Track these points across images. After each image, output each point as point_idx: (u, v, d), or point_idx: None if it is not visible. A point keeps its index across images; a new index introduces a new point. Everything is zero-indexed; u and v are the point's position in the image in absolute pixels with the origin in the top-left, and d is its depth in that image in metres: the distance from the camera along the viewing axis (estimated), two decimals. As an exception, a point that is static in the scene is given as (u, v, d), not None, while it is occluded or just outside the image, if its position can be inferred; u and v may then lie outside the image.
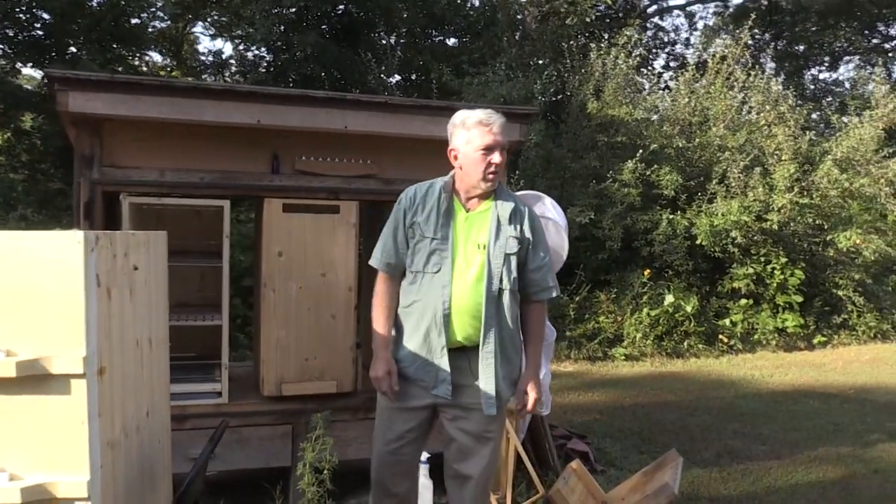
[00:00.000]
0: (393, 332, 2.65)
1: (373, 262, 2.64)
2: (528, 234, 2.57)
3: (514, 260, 2.53)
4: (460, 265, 2.51)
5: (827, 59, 19.06)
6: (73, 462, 1.73)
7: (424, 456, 3.51)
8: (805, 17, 17.56)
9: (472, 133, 2.50)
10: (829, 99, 17.73)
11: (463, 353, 2.54)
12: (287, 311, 3.43)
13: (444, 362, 2.52)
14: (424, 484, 3.49)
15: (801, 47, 18.74)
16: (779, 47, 18.62)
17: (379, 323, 2.60)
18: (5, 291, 1.70)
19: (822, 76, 19.60)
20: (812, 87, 18.69)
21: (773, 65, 17.51)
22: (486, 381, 2.51)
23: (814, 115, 14.14)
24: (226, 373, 3.43)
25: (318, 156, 3.49)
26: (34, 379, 1.70)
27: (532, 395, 2.56)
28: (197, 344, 3.94)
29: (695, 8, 19.19)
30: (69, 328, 1.71)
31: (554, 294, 2.67)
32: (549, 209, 3.62)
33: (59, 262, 1.71)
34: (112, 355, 1.87)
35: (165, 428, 2.43)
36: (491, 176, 2.50)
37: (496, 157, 2.49)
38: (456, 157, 2.56)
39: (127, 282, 1.99)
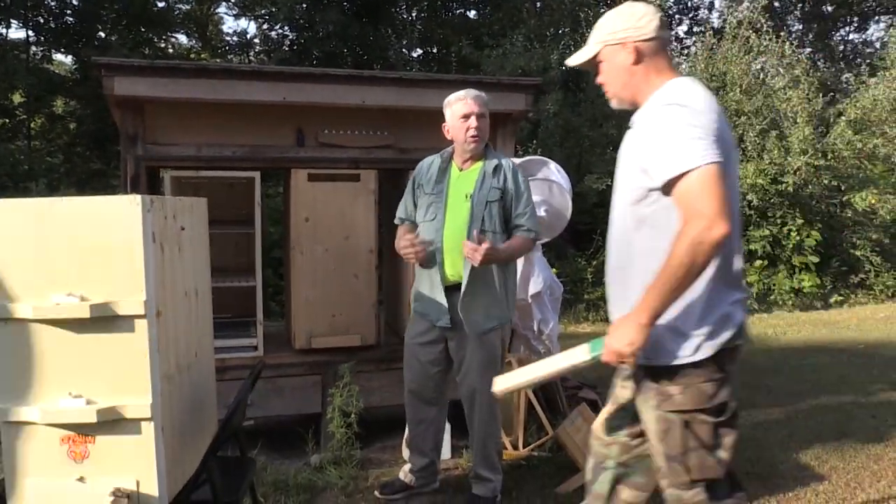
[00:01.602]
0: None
1: (396, 220, 3.25)
2: (510, 185, 3.03)
3: (496, 206, 2.99)
4: (451, 213, 3.03)
5: (856, 19, 18.76)
6: (138, 388, 2.07)
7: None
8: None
9: (454, 108, 3.07)
10: (859, 60, 17.51)
11: (458, 290, 3.01)
12: (314, 272, 3.77)
13: (441, 296, 3.01)
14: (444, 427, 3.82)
15: (830, 8, 18.49)
16: (806, 9, 18.40)
17: (399, 233, 3.16)
18: (78, 247, 2.04)
19: (851, 37, 19.29)
20: (841, 48, 18.44)
21: (799, 26, 17.34)
22: (464, 309, 3.00)
23: (845, 76, 14.06)
24: (260, 328, 3.79)
25: (340, 129, 3.80)
26: (104, 320, 2.04)
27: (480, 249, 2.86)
28: (233, 305, 4.32)
29: (719, -30, 18.97)
30: (131, 276, 2.04)
31: (532, 236, 3.09)
32: (553, 173, 3.89)
33: (122, 221, 2.03)
34: (166, 302, 2.20)
35: (210, 370, 2.78)
36: (472, 138, 3.03)
37: (473, 122, 3.01)
38: (448, 131, 3.13)
39: (176, 240, 2.32)
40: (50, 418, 2.04)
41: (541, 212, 3.71)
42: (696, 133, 1.84)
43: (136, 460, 2.08)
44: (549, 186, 3.75)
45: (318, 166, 3.77)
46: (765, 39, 10.06)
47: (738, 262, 1.99)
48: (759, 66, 10.24)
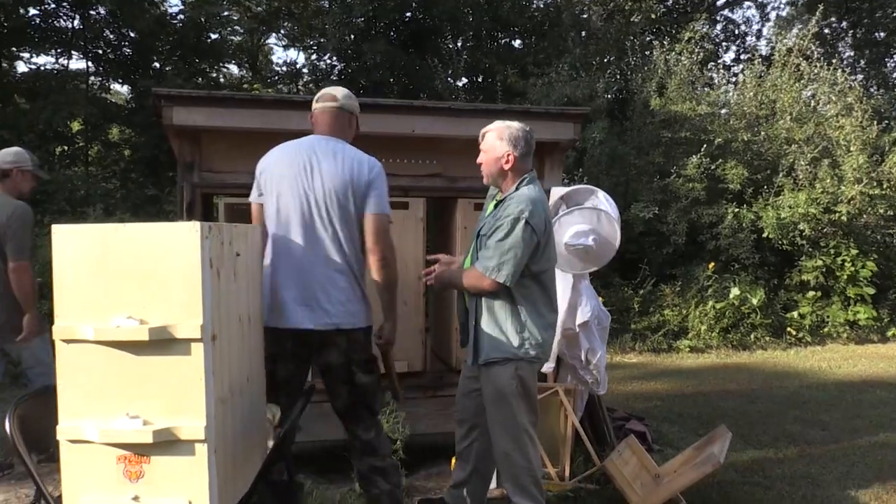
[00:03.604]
0: None
1: None
2: (501, 219, 2.95)
3: (484, 239, 2.98)
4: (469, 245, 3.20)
5: (910, 45, 18.34)
6: (193, 410, 2.10)
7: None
8: (885, 2, 17.02)
9: None
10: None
11: None
12: (363, 298, 3.79)
13: (463, 329, 3.14)
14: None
15: (882, 34, 18.14)
16: (858, 35, 18.09)
17: None
18: (138, 272, 2.09)
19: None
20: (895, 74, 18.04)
21: (851, 53, 17.05)
22: (473, 340, 3.05)
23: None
24: (310, 353, 3.82)
25: (389, 157, 3.85)
26: (162, 342, 2.08)
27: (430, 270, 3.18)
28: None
29: (767, -2, 18.81)
30: (189, 301, 2.09)
31: (481, 272, 2.94)
32: (601, 202, 3.88)
33: (181, 246, 2.08)
34: (221, 326, 2.24)
35: (262, 395, 2.81)
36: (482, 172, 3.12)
37: (480, 157, 3.11)
38: None
39: (231, 265, 2.37)
40: (107, 437, 2.09)
41: (589, 241, 3.71)
42: None
43: (190, 481, 2.11)
44: (598, 215, 3.74)
45: (367, 194, 3.81)
46: (815, 66, 9.92)
47: None
48: (809, 94, 10.08)
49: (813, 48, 10.08)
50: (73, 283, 2.11)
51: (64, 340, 2.11)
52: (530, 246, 2.91)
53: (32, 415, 2.45)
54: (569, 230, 3.72)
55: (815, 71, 9.92)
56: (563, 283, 3.93)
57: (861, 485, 4.03)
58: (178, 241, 2.09)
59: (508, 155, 3.01)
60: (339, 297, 2.88)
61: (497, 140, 3.05)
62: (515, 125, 3.06)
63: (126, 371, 2.10)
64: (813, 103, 10.14)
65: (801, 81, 9.94)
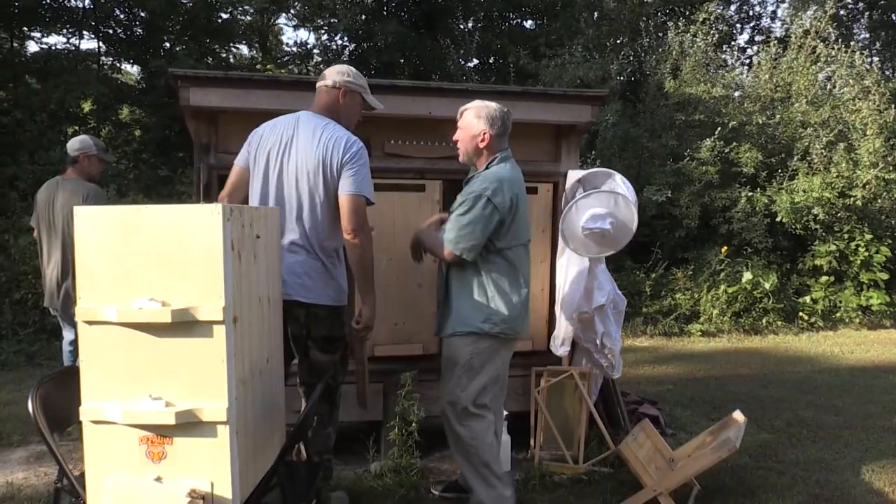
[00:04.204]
0: None
1: None
2: (465, 194, 3.08)
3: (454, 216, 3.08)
4: None
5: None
6: (215, 392, 2.11)
7: (504, 413, 3.84)
8: (901, -17, 16.76)
9: None
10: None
11: None
12: (378, 281, 3.78)
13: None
14: (504, 439, 3.81)
15: (899, 15, 17.87)
16: (874, 17, 17.84)
17: None
18: (161, 254, 2.09)
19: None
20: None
21: (866, 35, 16.83)
22: (439, 312, 3.25)
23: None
24: (324, 335, 3.83)
25: (406, 139, 3.84)
26: (184, 325, 2.09)
27: None
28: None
29: (782, -22, 18.52)
30: (211, 283, 2.09)
31: (447, 245, 3.07)
32: (619, 185, 3.85)
33: (203, 229, 2.08)
34: (242, 308, 2.24)
35: (280, 376, 2.82)
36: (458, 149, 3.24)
37: (456, 134, 3.23)
38: None
39: (251, 248, 2.37)
40: (130, 419, 2.10)
41: (606, 224, 3.68)
42: None
43: (212, 462, 2.12)
44: (615, 199, 3.71)
45: (383, 176, 3.80)
46: (832, 49, 9.79)
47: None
48: (825, 77, 9.96)
49: (830, 30, 9.95)
50: (96, 264, 2.12)
51: (87, 322, 2.12)
52: (490, 222, 3.01)
53: (54, 395, 2.47)
54: (586, 213, 3.70)
55: (833, 53, 9.79)
56: (578, 267, 3.93)
57: (875, 470, 4.02)
58: (201, 224, 2.09)
59: (485, 133, 3.12)
60: (296, 269, 2.92)
61: (475, 118, 3.15)
62: (493, 105, 3.17)
63: (148, 352, 2.11)
64: (829, 86, 10.02)
65: (818, 64, 9.81)
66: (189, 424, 2.10)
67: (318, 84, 3.09)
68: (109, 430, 2.13)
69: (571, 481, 3.71)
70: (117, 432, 2.12)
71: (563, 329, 3.91)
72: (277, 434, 2.70)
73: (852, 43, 10.05)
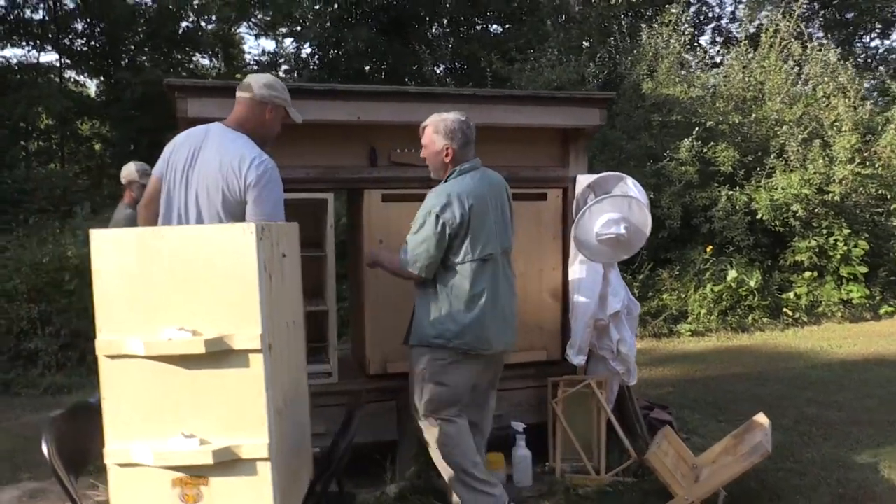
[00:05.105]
0: None
1: None
2: (419, 212, 3.12)
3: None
4: None
5: (879, 26, 18.56)
6: (254, 427, 1.95)
7: (521, 426, 3.73)
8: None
9: None
10: (883, 67, 17.30)
11: None
12: (388, 296, 3.65)
13: None
14: (523, 454, 3.70)
15: (851, 15, 18.29)
16: (827, 16, 18.21)
17: None
18: (186, 278, 1.93)
19: (873, 44, 19.10)
20: (863, 55, 18.23)
21: (821, 34, 17.17)
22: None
23: (865, 84, 13.86)
24: (335, 354, 3.67)
25: (411, 147, 3.69)
26: (218, 355, 1.93)
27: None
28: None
29: (738, -21, 18.82)
30: (245, 308, 1.93)
31: (404, 265, 3.13)
32: (631, 188, 3.77)
33: (234, 250, 1.92)
34: (274, 334, 2.09)
35: (306, 403, 2.66)
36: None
37: (422, 152, 3.23)
38: None
39: (280, 268, 2.21)
40: (162, 460, 1.94)
41: (621, 229, 3.60)
42: None
43: (251, 502, 1.97)
44: (628, 203, 3.63)
45: (390, 186, 3.67)
46: (807, 47, 9.90)
47: None
48: (798, 74, 10.07)
49: (802, 28, 10.07)
50: (115, 293, 1.95)
51: (108, 356, 1.94)
52: (443, 238, 3.02)
53: (67, 433, 2.29)
54: (599, 219, 3.61)
55: (808, 53, 9.90)
56: (592, 274, 3.83)
57: (893, 467, 3.99)
58: (231, 244, 1.93)
59: (447, 148, 3.11)
60: None
61: (434, 134, 3.13)
62: (451, 116, 3.12)
63: (179, 387, 1.95)
64: (800, 84, 10.14)
65: (789, 63, 9.92)
66: (227, 463, 1.95)
67: (238, 93, 2.85)
68: (138, 473, 1.96)
69: (596, 493, 3.60)
70: (147, 475, 1.96)
71: (579, 338, 3.81)
72: (306, 464, 2.55)
73: (815, 39, 10.19)
